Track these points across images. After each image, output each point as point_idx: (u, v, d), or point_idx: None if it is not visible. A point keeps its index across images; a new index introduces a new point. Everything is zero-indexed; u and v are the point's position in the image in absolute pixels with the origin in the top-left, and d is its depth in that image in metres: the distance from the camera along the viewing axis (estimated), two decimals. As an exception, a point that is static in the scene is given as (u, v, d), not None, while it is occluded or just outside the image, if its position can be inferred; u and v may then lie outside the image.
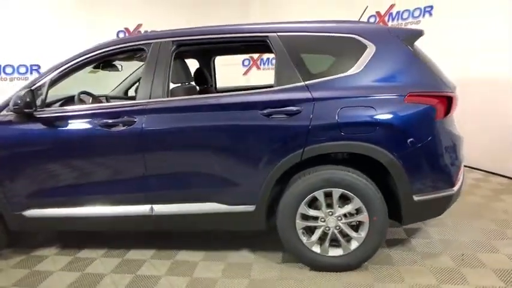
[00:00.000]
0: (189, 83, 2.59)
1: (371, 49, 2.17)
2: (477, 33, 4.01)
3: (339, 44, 2.23)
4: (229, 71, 6.16)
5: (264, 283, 2.17)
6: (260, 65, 6.46)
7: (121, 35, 5.98)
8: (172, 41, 2.32)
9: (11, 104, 2.21)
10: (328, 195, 2.16)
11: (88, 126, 2.29)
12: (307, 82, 2.16)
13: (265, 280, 2.20)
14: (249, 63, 6.50)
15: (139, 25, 6.01)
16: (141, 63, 3.73)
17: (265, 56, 6.41)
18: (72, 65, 2.38)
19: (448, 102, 2.12)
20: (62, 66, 2.38)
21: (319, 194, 2.15)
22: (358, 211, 2.16)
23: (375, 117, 2.05)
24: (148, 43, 2.35)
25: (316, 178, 2.13)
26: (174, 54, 2.32)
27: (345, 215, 2.18)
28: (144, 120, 2.20)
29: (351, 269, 2.24)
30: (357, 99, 2.09)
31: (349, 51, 2.21)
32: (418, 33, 2.24)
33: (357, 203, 2.13)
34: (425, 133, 2.08)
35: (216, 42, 2.43)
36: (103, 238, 2.79)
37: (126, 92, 3.82)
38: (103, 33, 5.84)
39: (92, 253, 2.61)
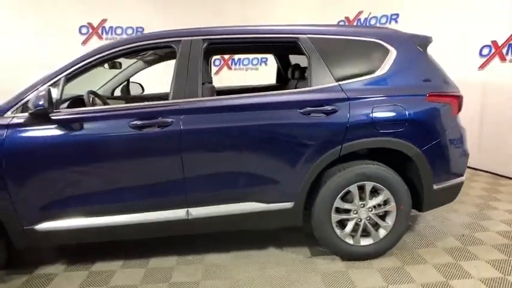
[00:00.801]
0: (210, 82, 2.54)
1: (393, 53, 2.37)
2: (439, 41, 4.52)
3: (365, 48, 2.39)
4: None
5: (299, 276, 2.24)
6: (231, 65, 6.46)
7: (84, 30, 5.53)
8: (203, 39, 2.27)
9: (31, 104, 1.96)
10: (360, 189, 2.31)
11: (116, 128, 2.12)
12: (340, 83, 2.28)
13: (300, 273, 2.27)
14: (220, 63, 6.46)
15: (104, 20, 5.61)
16: (130, 62, 3.62)
17: (237, 56, 6.44)
18: (91, 61, 2.20)
19: (459, 100, 2.41)
20: (80, 62, 2.19)
21: (354, 188, 2.29)
22: (385, 202, 2.34)
23: (403, 114, 2.25)
24: (178, 40, 2.26)
25: (352, 173, 2.26)
26: (204, 52, 2.27)
27: (374, 206, 2.34)
28: (181, 120, 2.12)
29: (380, 255, 2.42)
30: (388, 99, 2.27)
31: (374, 55, 2.38)
32: (430, 40, 2.50)
33: (386, 194, 2.31)
34: (443, 128, 2.33)
35: (247, 42, 2.43)
36: (107, 247, 2.60)
37: (112, 92, 3.59)
38: (64, 28, 5.37)
39: (108, 265, 2.43)
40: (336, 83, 2.28)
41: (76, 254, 2.59)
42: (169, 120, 2.11)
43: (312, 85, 2.28)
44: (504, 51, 3.95)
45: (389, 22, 5.23)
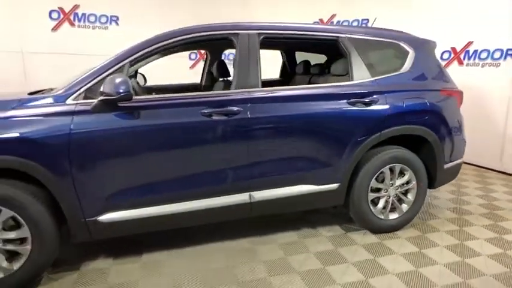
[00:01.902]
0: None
1: (412, 54, 2.77)
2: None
3: (390, 48, 2.76)
4: (176, 63, 6.04)
5: (345, 249, 2.53)
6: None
7: (54, 15, 5.07)
8: (258, 33, 2.40)
9: (110, 90, 1.89)
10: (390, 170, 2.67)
11: (188, 115, 2.14)
12: (375, 78, 2.61)
13: (345, 247, 2.56)
14: (195, 57, 6.44)
15: (77, 6, 5.21)
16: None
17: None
18: (152, 50, 2.18)
19: (461, 95, 2.92)
20: (140, 50, 2.16)
21: (386, 169, 2.64)
22: (408, 181, 2.74)
23: (426, 106, 2.67)
24: (236, 33, 2.35)
25: (386, 156, 2.61)
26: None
27: (401, 185, 2.73)
28: (248, 109, 2.23)
29: (403, 227, 2.82)
30: (414, 93, 2.66)
31: (398, 55, 2.76)
32: (435, 44, 2.96)
33: (410, 174, 2.71)
34: (452, 117, 2.81)
35: (294, 38, 2.59)
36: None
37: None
38: (33, 11, 4.88)
39: (158, 255, 2.43)
40: (373, 78, 2.60)
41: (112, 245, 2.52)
42: (237, 109, 2.21)
43: (353, 79, 2.57)
44: (462, 56, 4.71)
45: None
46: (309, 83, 3.45)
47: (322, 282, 2.13)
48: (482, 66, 4.47)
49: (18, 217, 1.90)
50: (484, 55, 4.44)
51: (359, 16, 5.80)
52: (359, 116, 2.50)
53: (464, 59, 4.69)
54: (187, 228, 2.66)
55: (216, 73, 3.23)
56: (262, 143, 2.30)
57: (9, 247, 1.94)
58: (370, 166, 2.58)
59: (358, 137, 2.50)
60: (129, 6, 5.62)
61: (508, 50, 4.20)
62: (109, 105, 1.98)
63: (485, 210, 3.24)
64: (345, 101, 2.47)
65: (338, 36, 2.61)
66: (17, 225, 1.94)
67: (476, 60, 4.53)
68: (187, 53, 6.33)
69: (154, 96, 2.25)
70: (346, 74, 2.69)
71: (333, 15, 6.09)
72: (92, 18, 5.40)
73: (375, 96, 2.53)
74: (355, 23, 5.86)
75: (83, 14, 5.29)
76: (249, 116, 2.23)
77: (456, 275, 2.23)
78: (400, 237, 2.72)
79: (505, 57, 4.23)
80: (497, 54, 4.31)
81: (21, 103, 1.95)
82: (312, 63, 3.72)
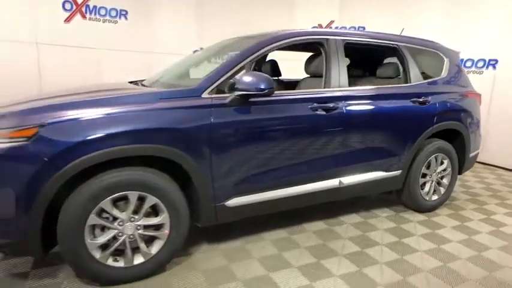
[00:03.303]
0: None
1: (447, 61, 3.33)
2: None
3: (432, 56, 3.28)
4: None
5: (405, 226, 2.99)
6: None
7: (67, 6, 4.85)
8: (342, 39, 2.74)
9: (250, 86, 2.09)
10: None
11: (301, 110, 2.42)
12: (426, 81, 3.10)
13: (404, 224, 3.02)
14: (199, 55, 6.52)
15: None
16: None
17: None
18: (268, 49, 2.40)
19: (480, 97, 3.55)
20: (259, 50, 2.35)
21: (433, 158, 3.16)
22: (446, 168, 3.29)
23: (461, 105, 3.24)
24: (326, 39, 2.67)
25: (434, 147, 3.13)
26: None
27: (442, 171, 3.27)
28: (343, 105, 2.57)
29: (440, 206, 3.37)
30: (452, 94, 3.21)
31: (438, 62, 3.29)
32: (460, 54, 3.56)
33: (448, 162, 3.27)
34: (477, 115, 3.42)
35: (364, 44, 2.95)
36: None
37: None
38: (45, 1, 4.63)
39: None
40: (424, 81, 3.09)
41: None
42: (336, 105, 2.54)
43: (411, 82, 3.04)
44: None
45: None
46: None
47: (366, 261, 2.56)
48: (467, 73, 5.27)
49: (161, 204, 2.03)
50: (469, 64, 5.26)
51: (356, 23, 6.39)
52: (419, 112, 2.97)
53: (450, 66, 5.47)
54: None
55: (269, 73, 3.50)
56: (351, 135, 2.65)
57: (149, 233, 2.06)
58: (422, 155, 3.07)
59: (418, 130, 2.98)
60: (138, 1, 5.55)
61: (489, 60, 5.04)
62: (244, 99, 2.19)
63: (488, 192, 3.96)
64: (408, 100, 2.93)
65: (397, 45, 3.05)
66: (153, 212, 2.06)
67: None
68: (191, 50, 6.38)
69: (277, 92, 2.45)
70: (396, 77, 3.15)
71: (332, 21, 6.61)
72: (103, 11, 5.25)
73: (428, 96, 3.03)
74: (351, 30, 6.44)
75: (94, 7, 5.12)
76: (344, 111, 2.57)
77: (499, 238, 2.80)
78: (440, 215, 3.26)
79: (487, 67, 5.07)
80: (480, 64, 5.14)
81: (164, 95, 2.07)
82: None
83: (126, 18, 5.52)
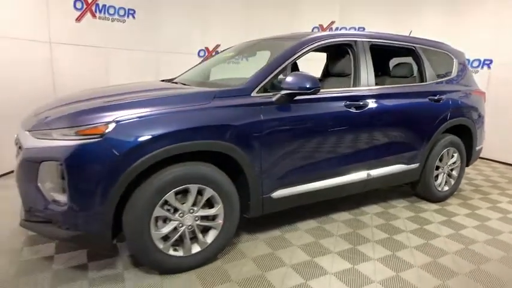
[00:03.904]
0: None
1: (455, 62, 3.59)
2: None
3: (443, 57, 3.53)
4: (185, 59, 6.24)
5: (423, 215, 3.23)
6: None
7: (78, 5, 4.85)
8: (367, 41, 2.93)
9: (296, 85, 2.24)
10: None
11: (337, 107, 2.60)
12: (439, 80, 3.35)
13: (422, 213, 3.26)
14: (204, 54, 6.61)
15: (98, -4, 5.05)
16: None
17: (220, 49, 6.71)
18: (303, 52, 2.55)
19: (485, 95, 3.84)
20: (297, 53, 2.51)
21: (445, 152, 3.42)
22: (455, 161, 3.56)
23: (470, 103, 3.51)
24: (355, 40, 2.86)
25: (447, 141, 3.38)
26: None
27: (453, 163, 3.54)
28: (372, 103, 2.76)
29: (450, 196, 3.63)
30: (463, 92, 3.47)
31: (448, 62, 3.55)
32: (465, 55, 3.83)
33: (457, 155, 3.53)
34: (482, 112, 3.70)
35: (386, 46, 3.15)
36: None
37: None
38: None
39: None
40: (438, 80, 3.34)
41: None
42: (366, 103, 2.73)
43: (427, 81, 3.27)
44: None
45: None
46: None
47: (397, 246, 2.79)
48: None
49: (217, 196, 2.17)
50: (464, 63, 5.58)
51: (356, 24, 6.63)
52: (435, 109, 3.21)
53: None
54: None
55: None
56: (378, 131, 2.86)
57: (206, 223, 2.19)
58: (437, 149, 3.32)
59: (435, 126, 3.21)
60: (146, 0, 5.60)
61: (484, 60, 5.38)
62: (289, 97, 2.34)
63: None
64: (426, 98, 3.16)
65: (414, 46, 3.28)
66: (207, 204, 2.20)
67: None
68: (196, 50, 6.49)
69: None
70: (411, 76, 3.38)
71: (332, 22, 6.82)
72: (112, 10, 5.26)
73: (442, 94, 3.27)
74: (351, 30, 6.68)
75: (104, 6, 5.13)
76: (373, 108, 2.77)
77: (508, 224, 3.07)
78: (450, 204, 3.52)
79: (482, 66, 5.41)
80: (475, 64, 5.47)
81: (218, 94, 2.20)
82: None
83: (134, 17, 5.56)
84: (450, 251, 2.56)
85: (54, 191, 1.89)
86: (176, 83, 2.92)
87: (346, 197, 3.38)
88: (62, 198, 1.86)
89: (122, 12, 5.41)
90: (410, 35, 3.53)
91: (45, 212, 1.91)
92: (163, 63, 6.00)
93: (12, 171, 3.96)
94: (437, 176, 3.47)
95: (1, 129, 3.80)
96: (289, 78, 2.29)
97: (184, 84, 2.75)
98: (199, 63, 3.64)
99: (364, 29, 6.56)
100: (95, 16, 5.09)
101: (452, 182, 3.59)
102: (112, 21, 5.32)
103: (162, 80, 3.25)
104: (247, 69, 3.51)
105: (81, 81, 4.90)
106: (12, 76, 3.96)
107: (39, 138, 1.91)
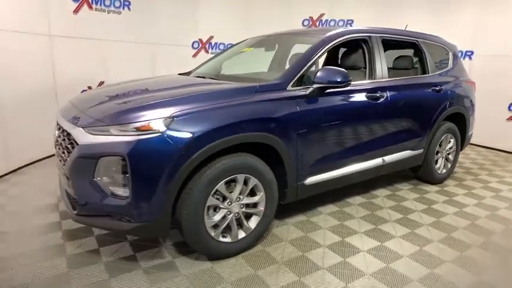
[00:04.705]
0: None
1: (451, 54, 3.90)
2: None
3: (441, 50, 3.81)
4: (179, 51, 6.24)
5: (436, 204, 3.53)
6: (208, 49, 6.71)
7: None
8: (379, 36, 3.14)
9: (327, 79, 2.39)
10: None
11: (361, 99, 2.81)
12: (439, 72, 3.63)
13: (432, 201, 3.56)
14: (198, 46, 6.61)
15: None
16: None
17: (213, 40, 6.72)
18: (327, 48, 2.71)
19: (475, 85, 4.19)
20: (322, 48, 2.66)
21: (444, 138, 3.73)
22: (452, 147, 3.89)
23: (465, 92, 3.83)
24: (370, 36, 3.05)
25: (446, 128, 3.69)
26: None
27: (449, 148, 3.87)
28: (388, 94, 2.98)
29: (447, 179, 3.98)
30: (460, 82, 3.78)
31: (444, 55, 3.84)
32: (457, 47, 4.15)
33: (454, 141, 3.86)
34: (473, 100, 4.05)
35: (392, 40, 3.36)
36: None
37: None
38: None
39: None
40: (438, 72, 3.62)
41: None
42: (383, 94, 2.95)
43: (429, 73, 3.54)
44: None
45: (346, 26, 6.85)
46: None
47: (412, 224, 3.08)
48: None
49: (259, 184, 2.31)
50: (448, 55, 5.96)
51: (345, 17, 6.85)
52: (437, 99, 3.49)
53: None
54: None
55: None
56: (392, 120, 3.09)
57: (250, 210, 2.33)
58: (438, 135, 3.62)
59: (437, 114, 3.50)
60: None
61: (466, 51, 5.79)
62: (321, 90, 2.50)
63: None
64: (430, 88, 3.43)
65: (417, 40, 3.53)
66: (250, 192, 2.34)
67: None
68: (190, 42, 6.48)
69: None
70: (412, 68, 3.64)
71: (322, 15, 7.00)
72: (107, 2, 5.14)
73: (443, 85, 3.56)
74: (340, 23, 6.91)
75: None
76: (389, 99, 2.99)
77: (501, 201, 3.44)
78: (449, 185, 3.86)
79: (464, 57, 5.81)
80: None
81: (258, 89, 2.32)
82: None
83: (129, 8, 5.47)
84: (459, 227, 2.86)
85: (114, 185, 1.96)
86: (204, 77, 2.98)
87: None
88: (123, 191, 1.94)
89: (117, 3, 5.31)
90: (415, 31, 3.77)
91: (104, 206, 1.97)
92: (158, 55, 5.97)
93: (17, 169, 3.88)
94: (437, 161, 3.78)
95: (8, 121, 3.69)
96: (320, 73, 2.45)
97: (212, 79, 2.84)
98: (214, 57, 3.69)
99: (353, 21, 6.81)
100: (92, 8, 4.98)
101: (449, 165, 3.93)
102: (108, 13, 5.22)
103: (180, 74, 3.30)
104: (265, 63, 3.66)
105: (80, 73, 4.83)
106: (12, 70, 3.84)
107: (96, 135, 1.96)
